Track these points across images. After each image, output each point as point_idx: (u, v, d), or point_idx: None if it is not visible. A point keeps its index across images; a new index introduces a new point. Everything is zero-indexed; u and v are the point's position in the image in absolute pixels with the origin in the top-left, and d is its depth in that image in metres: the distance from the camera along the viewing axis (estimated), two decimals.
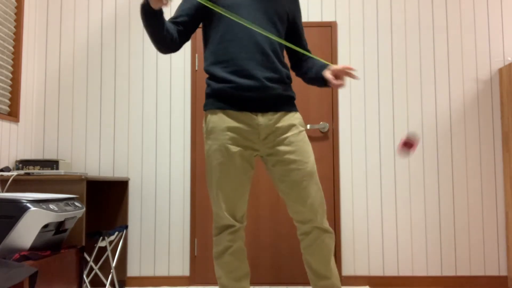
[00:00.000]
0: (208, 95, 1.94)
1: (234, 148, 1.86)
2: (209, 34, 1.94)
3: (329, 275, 1.94)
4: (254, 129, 1.88)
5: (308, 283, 3.40)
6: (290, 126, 1.91)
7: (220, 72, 1.88)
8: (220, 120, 1.88)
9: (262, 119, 1.88)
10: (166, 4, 1.68)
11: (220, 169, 1.87)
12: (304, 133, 1.95)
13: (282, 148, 1.89)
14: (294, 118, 1.94)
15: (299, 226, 1.94)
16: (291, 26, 2.05)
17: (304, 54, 2.07)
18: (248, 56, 1.87)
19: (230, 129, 1.86)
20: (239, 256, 1.92)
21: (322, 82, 1.96)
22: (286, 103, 1.95)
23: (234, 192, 1.88)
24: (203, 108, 1.97)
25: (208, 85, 1.93)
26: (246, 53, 1.87)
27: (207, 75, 1.99)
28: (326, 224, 1.93)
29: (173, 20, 1.92)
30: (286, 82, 1.95)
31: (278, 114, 1.91)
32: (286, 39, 2.08)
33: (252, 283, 3.42)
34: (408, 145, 1.84)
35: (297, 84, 3.52)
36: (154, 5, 1.69)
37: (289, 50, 2.10)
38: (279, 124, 1.90)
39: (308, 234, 1.93)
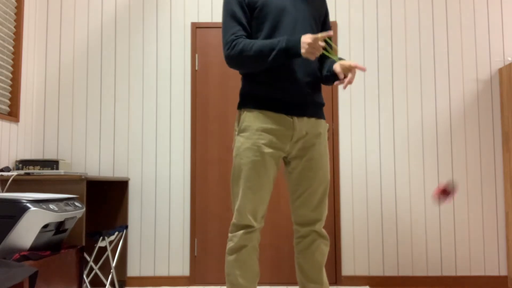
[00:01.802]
0: (245, 94, 1.95)
1: (267, 149, 1.88)
2: (251, 37, 1.97)
3: (321, 281, 1.97)
4: (289, 132, 1.91)
5: None
6: (319, 134, 1.96)
7: (261, 74, 1.92)
8: (256, 119, 1.90)
9: (297, 123, 1.91)
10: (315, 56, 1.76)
11: (250, 168, 1.88)
12: (327, 143, 2.02)
13: (309, 153, 1.94)
14: (323, 126, 2.00)
15: (298, 229, 1.98)
16: (322, 27, 2.11)
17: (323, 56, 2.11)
18: (291, 61, 1.90)
19: (265, 129, 1.89)
20: (252, 256, 1.93)
21: (333, 78, 1.98)
22: (319, 110, 2.00)
23: (261, 192, 1.90)
24: (238, 106, 1.98)
25: (246, 84, 1.96)
26: None
27: (242, 76, 2.02)
28: (324, 230, 2.00)
29: (244, 34, 1.94)
30: (320, 87, 2.01)
31: (312, 120, 1.96)
32: None
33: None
34: (446, 193, 1.86)
35: None
36: (307, 55, 1.75)
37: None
38: (311, 130, 1.94)
39: (305, 237, 1.98)
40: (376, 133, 3.47)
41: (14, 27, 3.28)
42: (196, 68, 3.53)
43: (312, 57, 1.75)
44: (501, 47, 3.51)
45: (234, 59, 1.90)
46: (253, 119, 1.90)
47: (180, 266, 3.42)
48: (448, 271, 3.38)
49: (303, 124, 1.93)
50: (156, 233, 3.43)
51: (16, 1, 3.29)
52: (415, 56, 3.52)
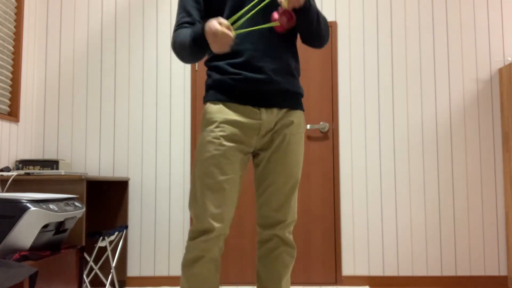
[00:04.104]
0: (209, 87, 1.77)
1: (230, 143, 1.67)
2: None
3: None
4: (255, 125, 1.71)
5: (307, 283, 3.40)
6: (291, 123, 1.75)
7: (222, 64, 1.73)
8: (219, 112, 1.70)
9: (265, 115, 1.71)
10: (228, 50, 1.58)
11: (210, 164, 1.66)
12: (302, 136, 1.80)
13: (276, 144, 1.74)
14: (297, 116, 1.78)
15: (260, 232, 1.77)
16: None
17: None
18: (254, 47, 1.71)
19: (228, 122, 1.68)
20: (210, 269, 1.66)
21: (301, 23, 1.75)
22: (293, 100, 1.78)
23: (223, 192, 1.66)
24: (203, 100, 1.80)
25: (209, 76, 1.78)
26: (252, 44, 1.71)
27: (207, 68, 1.82)
28: (290, 237, 1.76)
29: (190, 22, 1.75)
30: (294, 74, 1.79)
31: (283, 111, 1.75)
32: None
33: (251, 283, 3.42)
34: (286, 14, 1.61)
35: None
36: (218, 50, 1.56)
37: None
38: (280, 121, 1.74)
39: (266, 242, 1.75)
40: (376, 133, 3.47)
41: (14, 27, 3.28)
42: (196, 69, 3.53)
43: (226, 49, 1.54)
44: (501, 47, 3.51)
45: (173, 51, 1.76)
46: (216, 112, 1.70)
47: (180, 266, 3.42)
48: (448, 271, 3.38)
49: (272, 117, 1.72)
50: (156, 233, 3.43)
51: (16, 1, 3.29)
52: (415, 56, 3.52)
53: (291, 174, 1.75)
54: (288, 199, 1.74)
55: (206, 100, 1.78)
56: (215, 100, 1.73)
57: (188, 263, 1.66)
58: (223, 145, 1.66)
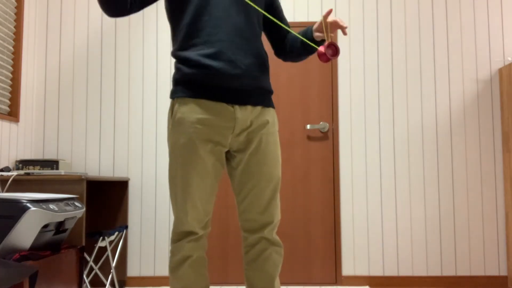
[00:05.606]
0: (178, 81, 1.68)
1: (205, 144, 1.62)
2: (179, 14, 1.68)
3: None
4: (229, 123, 1.64)
5: (307, 283, 3.40)
6: (266, 123, 1.71)
7: (194, 55, 1.62)
8: (191, 111, 1.62)
9: (239, 113, 1.65)
10: None
11: (187, 168, 1.62)
12: (277, 135, 1.77)
13: (253, 145, 1.68)
14: (271, 114, 1.74)
15: (246, 236, 1.75)
16: (270, 8, 1.87)
17: (285, 33, 1.88)
18: (227, 38, 1.62)
19: (201, 121, 1.61)
20: (199, 268, 1.67)
21: (311, 47, 1.75)
22: (266, 97, 1.74)
23: (202, 194, 1.64)
24: (170, 95, 1.71)
25: (178, 69, 1.67)
26: (225, 35, 1.62)
27: (175, 59, 1.71)
28: (276, 236, 1.76)
29: None
30: (267, 70, 1.75)
31: (257, 109, 1.70)
32: (265, 22, 1.87)
33: None
34: (332, 48, 1.59)
35: (297, 83, 3.52)
36: None
37: (271, 33, 1.90)
38: (256, 120, 1.69)
39: (254, 246, 1.73)
40: (376, 133, 3.47)
41: (14, 27, 3.28)
42: None
43: None
44: (501, 47, 3.51)
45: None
46: (187, 110, 1.62)
47: None
48: (448, 271, 3.38)
49: (246, 114, 1.66)
50: (156, 233, 3.44)
51: (16, 1, 3.29)
52: (415, 56, 3.52)
53: (273, 175, 1.71)
54: (272, 200, 1.72)
55: (174, 96, 1.68)
56: (185, 97, 1.65)
57: (176, 265, 1.66)
58: (199, 148, 1.61)
